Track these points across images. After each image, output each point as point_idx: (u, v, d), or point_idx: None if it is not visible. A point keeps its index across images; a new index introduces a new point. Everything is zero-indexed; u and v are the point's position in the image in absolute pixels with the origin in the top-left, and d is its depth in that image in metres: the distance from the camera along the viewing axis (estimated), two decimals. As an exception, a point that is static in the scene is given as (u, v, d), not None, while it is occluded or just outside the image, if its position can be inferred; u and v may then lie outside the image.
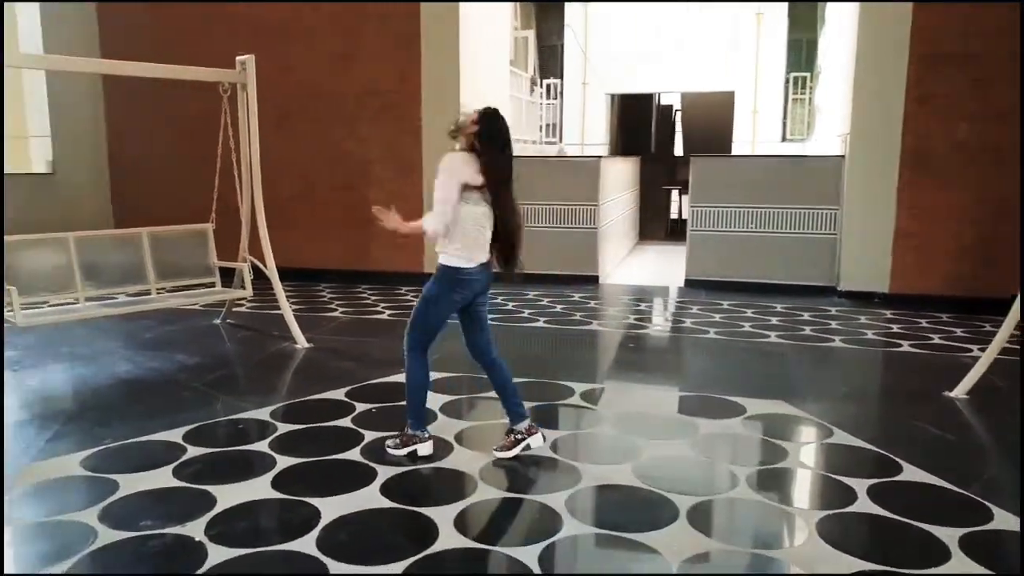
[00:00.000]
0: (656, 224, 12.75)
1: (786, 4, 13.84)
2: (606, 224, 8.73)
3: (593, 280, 8.32)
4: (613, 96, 15.79)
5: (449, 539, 2.79)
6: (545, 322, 6.49)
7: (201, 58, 5.96)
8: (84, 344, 5.62)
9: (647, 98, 17.33)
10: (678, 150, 15.44)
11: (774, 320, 6.53)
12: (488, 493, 3.21)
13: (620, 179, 10.20)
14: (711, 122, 15.03)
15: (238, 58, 5.64)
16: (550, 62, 14.67)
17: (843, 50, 8.28)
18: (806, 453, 3.78)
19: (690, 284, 8.10)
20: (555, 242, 8.32)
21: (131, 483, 3.26)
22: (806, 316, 6.67)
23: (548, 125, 14.40)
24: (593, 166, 8.55)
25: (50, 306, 5.40)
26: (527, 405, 3.72)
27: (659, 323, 6.90)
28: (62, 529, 2.90)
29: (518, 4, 11.65)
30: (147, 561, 2.68)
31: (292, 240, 7.87)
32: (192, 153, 6.94)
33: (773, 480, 3.41)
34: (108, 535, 2.81)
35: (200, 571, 2.56)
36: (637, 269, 9.75)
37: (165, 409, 4.25)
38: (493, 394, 3.71)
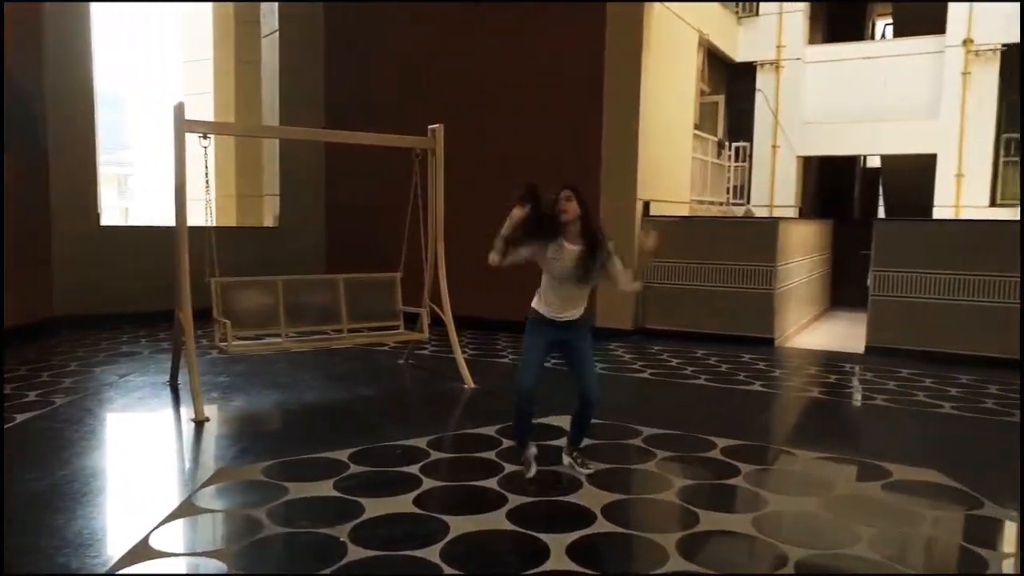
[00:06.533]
0: (851, 290, 12.11)
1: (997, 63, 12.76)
2: (785, 286, 8.53)
3: (767, 342, 8.13)
4: (809, 159, 15.36)
5: (559, 562, 3.00)
6: (706, 380, 6.48)
7: (414, 123, 6.55)
8: (283, 374, 6.41)
9: (848, 161, 16.66)
10: (880, 214, 14.59)
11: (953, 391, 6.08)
12: (605, 527, 3.36)
13: (805, 242, 9.93)
14: (913, 185, 14.19)
15: (430, 127, 6.30)
16: (740, 124, 14.66)
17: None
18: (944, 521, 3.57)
19: (872, 351, 7.69)
20: (730, 302, 8.29)
21: (298, 489, 3.76)
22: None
23: (736, 186, 14.34)
24: (771, 227, 8.44)
25: (257, 339, 6.14)
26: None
27: (823, 387, 6.58)
28: (236, 520, 3.44)
29: (705, 70, 11.88)
30: (297, 551, 3.13)
31: (476, 293, 8.42)
32: (393, 208, 7.56)
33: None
34: (271, 529, 3.30)
35: (338, 565, 2.96)
36: (820, 335, 9.37)
37: (338, 432, 4.81)
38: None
